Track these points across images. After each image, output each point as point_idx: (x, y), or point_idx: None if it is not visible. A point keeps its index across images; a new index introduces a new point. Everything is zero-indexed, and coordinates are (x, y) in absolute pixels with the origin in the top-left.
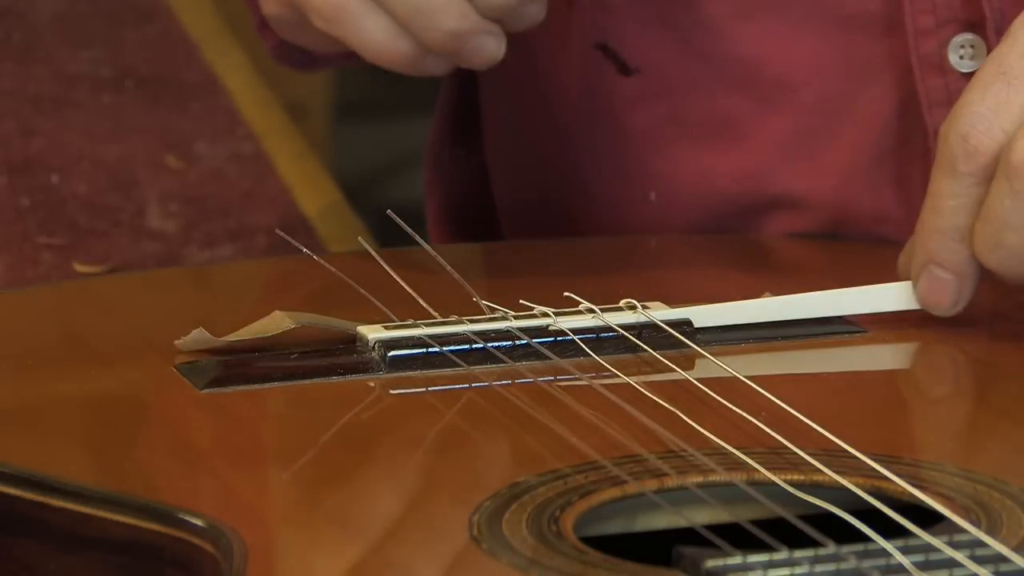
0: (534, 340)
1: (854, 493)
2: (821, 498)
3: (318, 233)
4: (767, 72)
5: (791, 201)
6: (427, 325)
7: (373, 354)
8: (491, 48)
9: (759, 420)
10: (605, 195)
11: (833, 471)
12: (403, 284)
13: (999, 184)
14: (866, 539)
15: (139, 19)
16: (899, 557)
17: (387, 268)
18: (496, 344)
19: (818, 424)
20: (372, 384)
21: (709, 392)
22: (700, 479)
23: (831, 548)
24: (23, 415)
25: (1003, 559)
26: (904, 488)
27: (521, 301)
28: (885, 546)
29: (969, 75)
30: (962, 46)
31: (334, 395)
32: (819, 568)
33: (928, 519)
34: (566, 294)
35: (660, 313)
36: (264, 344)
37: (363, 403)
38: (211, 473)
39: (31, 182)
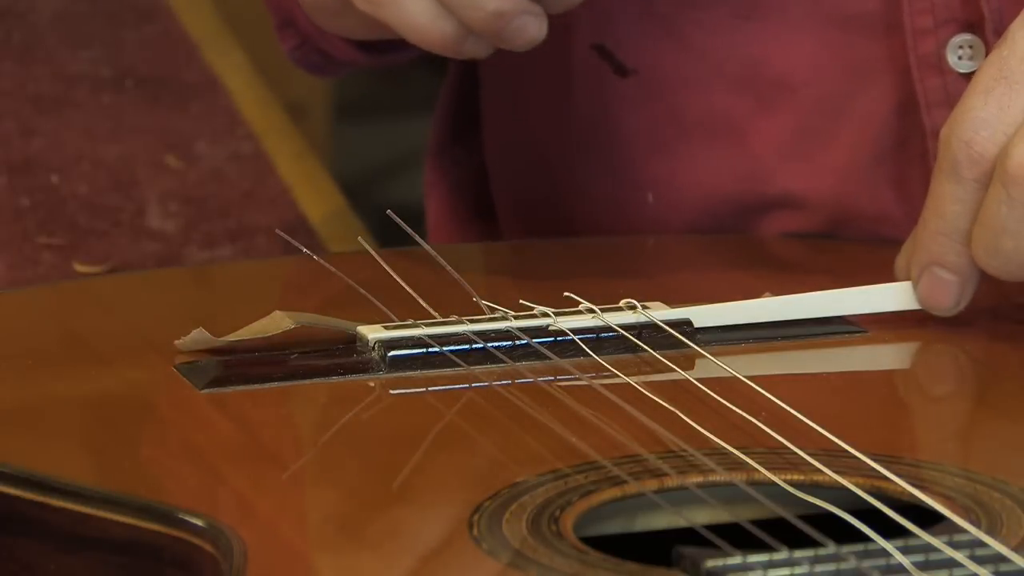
0: (534, 340)
1: (854, 493)
2: (821, 498)
3: (318, 233)
4: (766, 72)
5: (789, 201)
6: (427, 325)
7: (373, 354)
8: (532, 29)
9: (759, 420)
10: (603, 196)
11: (833, 471)
12: (403, 284)
13: (996, 190)
14: (866, 539)
15: (139, 19)
16: (899, 557)
17: (387, 268)
18: (496, 344)
19: (818, 424)
20: (372, 384)
21: (709, 392)
22: (700, 479)
23: (831, 548)
24: (23, 415)
25: (1003, 559)
26: (904, 488)
27: (521, 301)
28: (885, 546)
29: (968, 75)
30: (960, 46)
31: (334, 395)
32: (819, 568)
33: (928, 519)
34: (566, 294)
35: (660, 313)
36: (264, 344)
37: (363, 403)
38: (211, 473)
39: (31, 182)
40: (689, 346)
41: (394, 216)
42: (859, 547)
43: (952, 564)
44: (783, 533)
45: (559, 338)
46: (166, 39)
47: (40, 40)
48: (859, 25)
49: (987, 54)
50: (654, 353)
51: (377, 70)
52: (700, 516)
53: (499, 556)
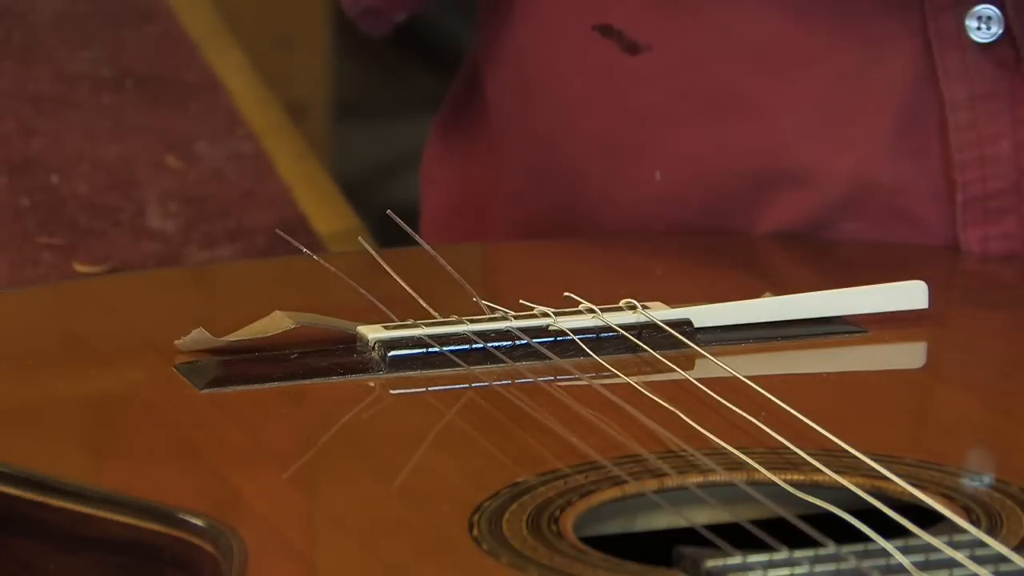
0: (534, 340)
1: (854, 493)
2: (821, 498)
3: (318, 233)
4: (782, 46)
5: (806, 176)
6: (427, 325)
7: (373, 354)
8: None
9: (759, 420)
10: (602, 178)
11: (833, 471)
12: (403, 284)
13: None
14: (866, 539)
15: (139, 19)
16: (899, 557)
17: (387, 268)
18: (496, 344)
19: (818, 424)
20: (372, 384)
21: (709, 392)
22: (700, 479)
23: (831, 548)
24: (23, 415)
25: (1003, 559)
26: (904, 488)
27: (521, 301)
28: (885, 546)
29: (985, 48)
30: (980, 17)
31: (334, 395)
32: (819, 568)
33: (928, 519)
34: (566, 294)
35: (660, 313)
36: (264, 344)
37: (363, 403)
38: (211, 473)
39: (31, 182)
40: (689, 346)
41: (394, 216)
42: (859, 547)
43: (952, 564)
44: (783, 533)
45: (559, 338)
46: (166, 39)
47: (40, 40)
48: None
49: (1005, 27)
50: (654, 353)
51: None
52: (700, 516)
53: (499, 556)
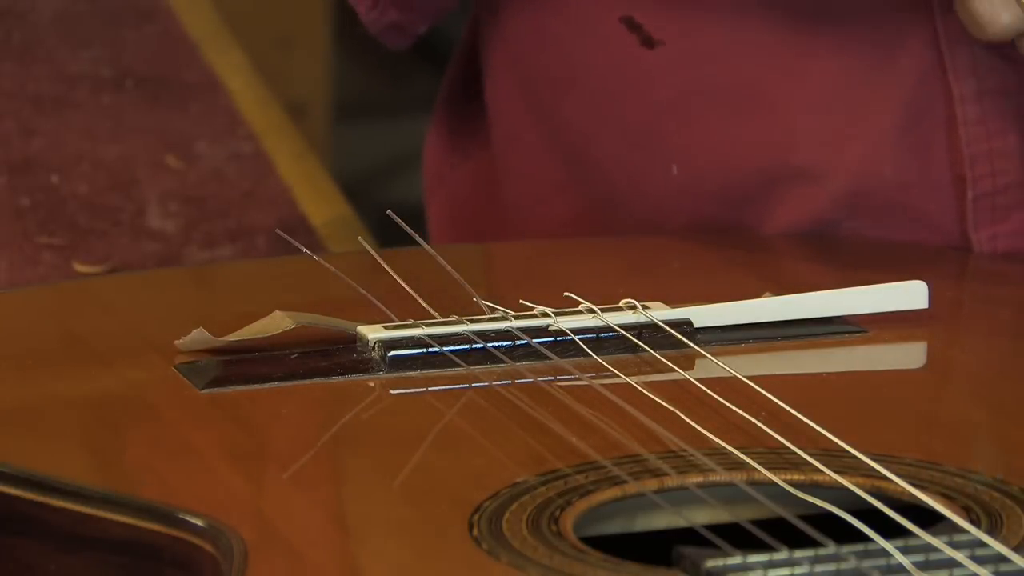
0: (534, 340)
1: (854, 493)
2: (821, 498)
3: (318, 233)
4: (793, 42)
5: (814, 170)
6: (427, 325)
7: (373, 354)
8: None
9: (759, 420)
10: (628, 169)
11: (833, 471)
12: (403, 284)
13: None
14: (866, 539)
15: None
16: (899, 557)
17: (387, 268)
18: (496, 344)
19: (818, 424)
20: (372, 384)
21: (709, 392)
22: (700, 479)
23: (831, 548)
24: (23, 415)
25: (1003, 559)
26: (904, 488)
27: (521, 301)
28: (885, 546)
29: (994, 42)
30: None
31: (334, 395)
32: (819, 568)
33: (928, 519)
34: (566, 294)
35: (660, 313)
36: (264, 344)
37: (363, 403)
38: (211, 473)
39: (31, 182)
40: (689, 346)
41: (394, 216)
42: (859, 547)
43: (952, 564)
44: (783, 533)
45: (559, 338)
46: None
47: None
48: None
49: None
50: (654, 353)
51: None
52: (700, 516)
53: (499, 556)
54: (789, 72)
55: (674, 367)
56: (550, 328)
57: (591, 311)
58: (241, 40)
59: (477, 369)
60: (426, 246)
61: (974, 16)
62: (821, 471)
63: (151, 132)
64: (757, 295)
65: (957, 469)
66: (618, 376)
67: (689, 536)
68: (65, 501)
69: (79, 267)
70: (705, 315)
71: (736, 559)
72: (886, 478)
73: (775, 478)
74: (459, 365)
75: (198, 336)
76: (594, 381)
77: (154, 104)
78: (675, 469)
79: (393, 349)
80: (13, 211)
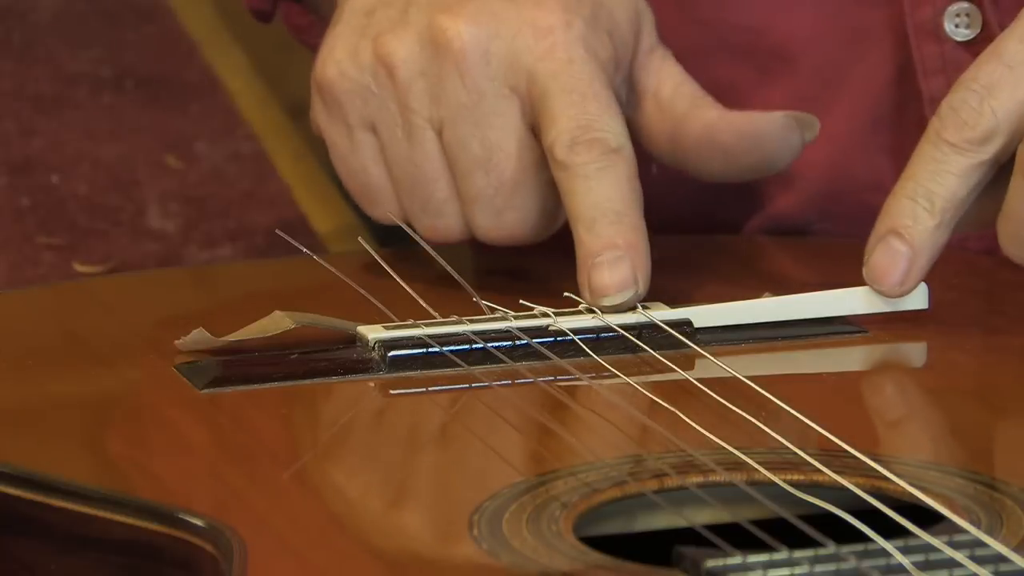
0: (534, 340)
1: (854, 493)
2: (821, 498)
3: (318, 233)
4: (767, 41)
5: (787, 170)
6: (427, 325)
7: (373, 354)
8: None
9: (759, 420)
10: None
11: (833, 471)
12: (403, 284)
13: (1018, 181)
14: (866, 539)
15: (139, 19)
16: (899, 557)
17: (387, 268)
18: (496, 344)
19: (818, 424)
20: (372, 384)
21: (709, 392)
22: (700, 479)
23: (831, 548)
24: (23, 415)
25: (1003, 559)
26: (904, 488)
27: (521, 301)
28: (885, 546)
29: (964, 44)
30: (958, 15)
31: (334, 395)
32: (819, 568)
33: (928, 519)
34: (566, 294)
35: (660, 313)
36: (264, 344)
37: (363, 403)
38: (211, 473)
39: (31, 182)
40: (689, 346)
41: (394, 216)
42: (859, 547)
43: (952, 564)
44: (783, 533)
45: (559, 338)
46: (166, 39)
47: (40, 40)
48: None
49: (984, 23)
50: (654, 353)
51: None
52: (700, 516)
53: (499, 556)
54: (761, 70)
55: (674, 367)
56: (550, 328)
57: (591, 311)
58: (241, 40)
59: (477, 369)
60: (426, 246)
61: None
62: (821, 471)
63: (151, 132)
64: (757, 295)
65: (957, 469)
66: (618, 376)
67: (689, 536)
68: (65, 501)
69: (79, 267)
70: (705, 315)
71: (736, 559)
72: (886, 478)
73: (775, 478)
74: (459, 365)
75: (198, 336)
76: (594, 381)
77: (154, 104)
78: (675, 469)
79: (393, 349)
80: (13, 211)
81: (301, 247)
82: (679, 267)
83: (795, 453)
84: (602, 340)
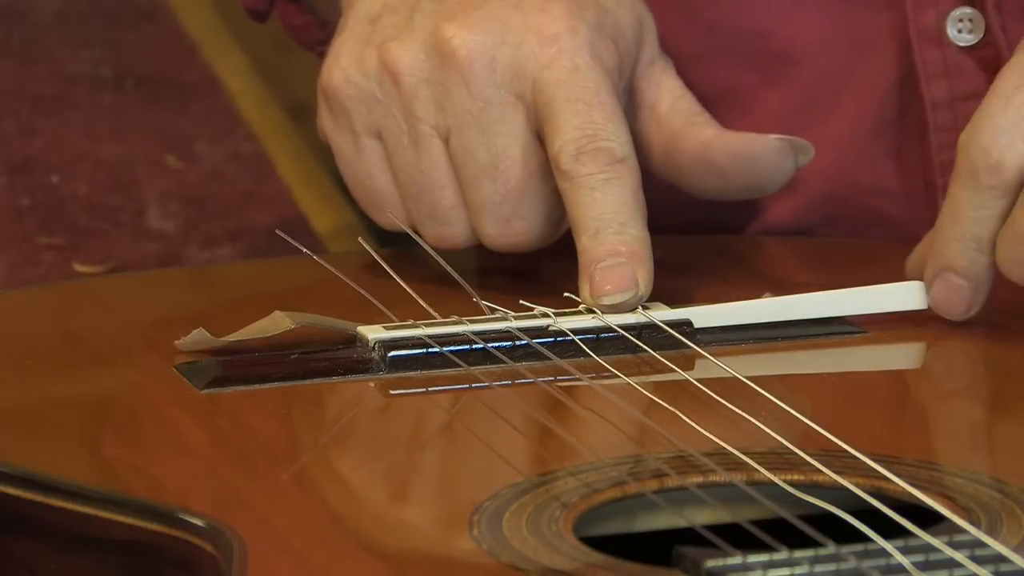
0: (534, 340)
1: (854, 493)
2: (821, 498)
3: (318, 233)
4: (771, 46)
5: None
6: (427, 325)
7: (373, 354)
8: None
9: (759, 420)
10: None
11: (833, 471)
12: (403, 284)
13: (1022, 204)
14: (866, 539)
15: (139, 19)
16: (899, 557)
17: (387, 268)
18: (496, 344)
19: (818, 424)
20: (372, 384)
21: (709, 392)
22: (700, 479)
23: (831, 548)
24: (23, 415)
25: (1003, 559)
26: (904, 488)
27: (521, 301)
28: (885, 546)
29: (967, 49)
30: (960, 20)
31: (334, 395)
32: (819, 568)
33: (928, 519)
34: (566, 294)
35: (660, 313)
36: (264, 344)
37: (363, 403)
38: (211, 473)
39: (31, 182)
40: (689, 346)
41: (394, 216)
42: (859, 547)
43: (952, 564)
44: (783, 533)
45: (559, 338)
46: (166, 39)
47: (40, 40)
48: None
49: (987, 28)
50: (654, 354)
51: None
52: (700, 516)
53: (499, 556)
54: (765, 75)
55: (674, 367)
56: (550, 328)
57: (591, 311)
58: (241, 40)
59: (477, 369)
60: (426, 246)
61: None
62: (821, 471)
63: (151, 132)
64: (757, 295)
65: (957, 469)
66: (618, 376)
67: (689, 536)
68: (65, 501)
69: (79, 267)
70: (705, 316)
71: (736, 559)
72: (886, 478)
73: (775, 478)
74: (459, 365)
75: (198, 336)
76: (594, 381)
77: (154, 104)
78: (675, 469)
79: (393, 349)
80: (13, 211)
81: (301, 247)
82: (679, 267)
83: (795, 453)
84: (602, 340)
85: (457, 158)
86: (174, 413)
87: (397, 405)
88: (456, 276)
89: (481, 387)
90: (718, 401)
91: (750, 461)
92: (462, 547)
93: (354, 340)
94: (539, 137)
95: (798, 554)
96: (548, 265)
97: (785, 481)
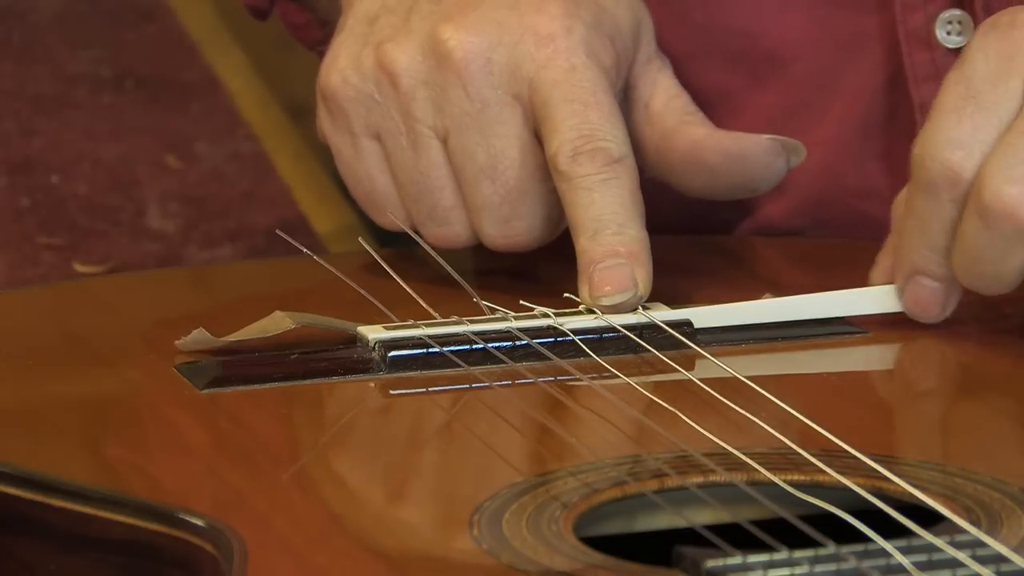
0: (534, 340)
1: (854, 493)
2: (822, 498)
3: (318, 233)
4: (759, 47)
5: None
6: (427, 325)
7: (373, 354)
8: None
9: (759, 420)
10: None
11: (834, 471)
12: (403, 284)
13: (972, 220)
14: (866, 539)
15: (139, 19)
16: (899, 557)
17: (387, 268)
18: (496, 344)
19: (818, 424)
20: (372, 384)
21: (709, 392)
22: (700, 479)
23: (831, 548)
24: (23, 415)
25: (1004, 559)
26: (904, 488)
27: (521, 301)
28: (885, 546)
29: (956, 51)
30: (949, 22)
31: (334, 395)
32: (819, 568)
33: (928, 520)
34: (566, 295)
35: (660, 314)
36: (264, 344)
37: (363, 403)
38: (211, 473)
39: (31, 182)
40: (689, 347)
41: (394, 216)
42: (859, 547)
43: (953, 564)
44: (783, 533)
45: (559, 338)
46: (166, 39)
47: (40, 40)
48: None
49: (975, 29)
50: (656, 353)
51: None
52: (700, 516)
53: (499, 556)
54: (755, 76)
55: (674, 367)
56: (550, 328)
57: (591, 311)
58: (241, 40)
59: (477, 370)
60: (426, 246)
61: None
62: (821, 471)
63: (151, 132)
64: (757, 296)
65: (958, 469)
66: (618, 376)
67: (689, 536)
68: (65, 501)
69: (79, 267)
70: (705, 316)
71: (736, 559)
72: (886, 478)
73: (775, 478)
74: (459, 365)
75: (198, 336)
76: (594, 382)
77: (154, 104)
78: (675, 469)
79: (393, 349)
80: (13, 211)
81: (301, 247)
82: (679, 267)
83: (795, 453)
84: (602, 340)
85: (456, 159)
86: (174, 413)
87: (397, 405)
88: (456, 276)
89: (481, 387)
90: (718, 401)
91: (750, 461)
92: (462, 547)
93: (354, 340)
94: (537, 137)
95: (798, 554)
96: (548, 265)
97: (785, 481)
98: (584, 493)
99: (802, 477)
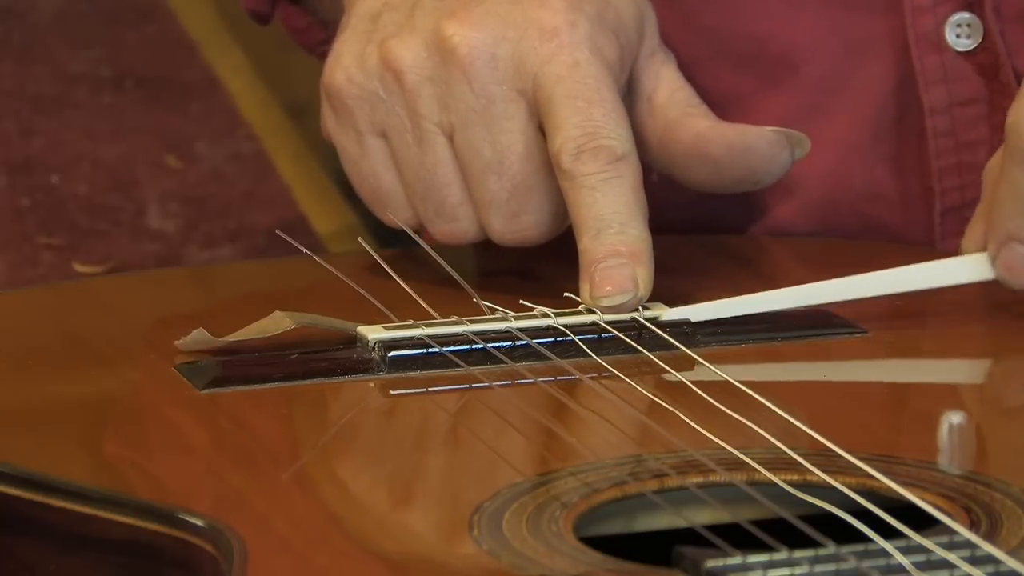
0: (534, 340)
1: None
2: (821, 498)
3: (318, 233)
4: (770, 50)
5: (785, 179)
6: (427, 325)
7: (373, 354)
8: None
9: (759, 420)
10: None
11: (832, 472)
12: (403, 284)
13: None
14: (866, 539)
15: (139, 19)
16: (899, 557)
17: (387, 268)
18: (496, 344)
19: (818, 424)
20: (372, 384)
21: (709, 392)
22: (700, 479)
23: (831, 548)
24: (23, 415)
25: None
26: (900, 491)
27: (521, 301)
28: (885, 546)
29: (965, 54)
30: (959, 25)
31: (334, 395)
32: (819, 568)
33: (928, 519)
34: (566, 294)
35: (660, 313)
36: (264, 344)
37: (363, 403)
38: (211, 473)
39: (31, 182)
40: (689, 346)
41: (393, 217)
42: (859, 547)
43: (952, 565)
44: (783, 533)
45: (559, 338)
46: (166, 39)
47: (40, 40)
48: (860, 2)
49: (985, 33)
50: (653, 354)
51: None
52: (700, 516)
53: (499, 556)
54: (764, 78)
55: (674, 367)
56: (550, 328)
57: (591, 311)
58: (242, 41)
59: (477, 369)
60: (426, 246)
61: None
62: (821, 472)
63: (151, 132)
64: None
65: (958, 469)
66: (618, 376)
67: (689, 536)
68: (65, 501)
69: (79, 267)
70: (705, 315)
71: (736, 559)
72: (886, 479)
73: (775, 478)
74: (459, 365)
75: (198, 336)
76: (594, 381)
77: (154, 104)
78: (675, 469)
79: (393, 349)
80: (13, 211)
81: (301, 247)
82: (679, 267)
83: (795, 453)
84: (602, 340)
85: (462, 155)
86: (174, 413)
87: (397, 405)
88: (456, 276)
89: (481, 387)
90: (718, 401)
91: (750, 461)
92: (462, 547)
93: (354, 340)
94: (543, 131)
95: (798, 554)
96: (548, 265)
97: (785, 481)
98: (584, 493)
99: (801, 477)
